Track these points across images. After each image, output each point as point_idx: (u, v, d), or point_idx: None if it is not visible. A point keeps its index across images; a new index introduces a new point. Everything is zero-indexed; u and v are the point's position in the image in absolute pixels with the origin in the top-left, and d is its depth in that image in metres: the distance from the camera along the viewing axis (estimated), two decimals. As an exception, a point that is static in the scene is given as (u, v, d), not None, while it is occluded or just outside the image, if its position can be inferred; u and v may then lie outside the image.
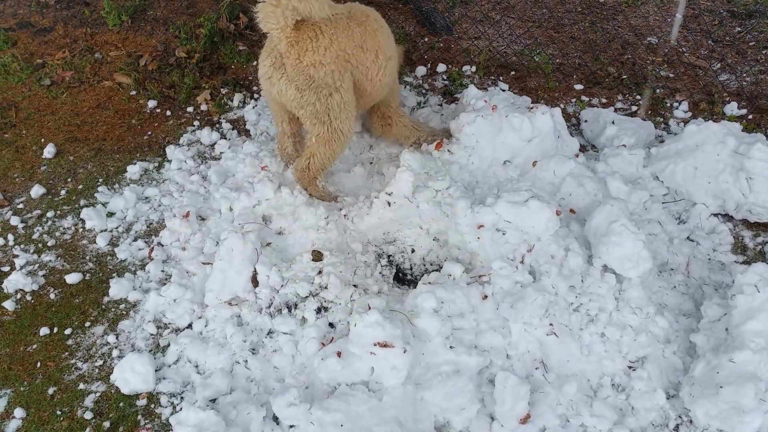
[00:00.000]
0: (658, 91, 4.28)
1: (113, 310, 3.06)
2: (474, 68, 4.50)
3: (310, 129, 3.17)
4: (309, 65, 2.94)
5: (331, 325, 2.84)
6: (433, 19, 4.85)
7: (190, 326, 2.94)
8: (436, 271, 3.10)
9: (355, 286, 2.98)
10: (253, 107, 4.17)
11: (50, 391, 2.77)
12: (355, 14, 3.12)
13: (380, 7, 3.30)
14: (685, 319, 2.93)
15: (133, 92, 4.32)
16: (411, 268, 3.25)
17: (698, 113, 4.07)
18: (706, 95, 4.22)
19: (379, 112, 3.62)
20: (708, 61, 4.55)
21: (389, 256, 3.26)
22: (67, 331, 2.97)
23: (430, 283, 2.91)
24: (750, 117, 4.02)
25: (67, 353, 2.90)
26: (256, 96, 4.29)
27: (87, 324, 3.00)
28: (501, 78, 4.42)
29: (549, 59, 4.55)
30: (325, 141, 3.16)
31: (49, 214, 3.53)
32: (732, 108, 4.06)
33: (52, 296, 3.13)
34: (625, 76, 4.41)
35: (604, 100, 4.25)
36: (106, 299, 3.11)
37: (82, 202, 3.60)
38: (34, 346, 2.93)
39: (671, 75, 4.43)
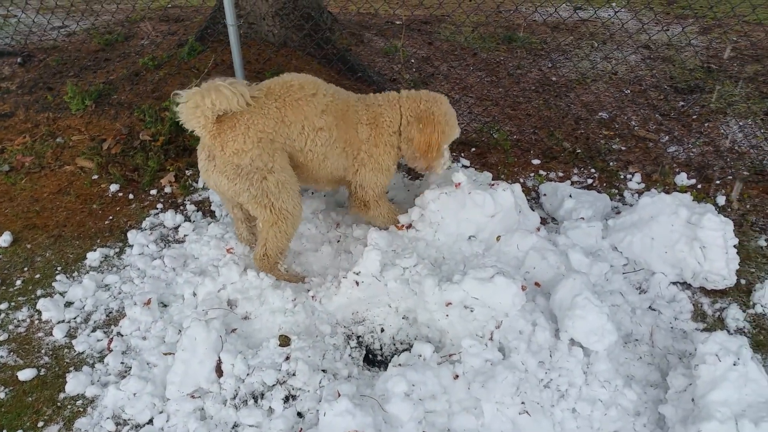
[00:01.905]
0: (612, 164, 4.48)
1: (69, 407, 2.90)
2: (436, 145, 4.63)
3: (254, 214, 3.16)
4: (233, 154, 2.92)
5: (299, 414, 2.74)
6: (394, 99, 5.03)
7: (150, 422, 2.79)
8: (407, 350, 3.07)
9: (324, 371, 2.91)
10: (219, 188, 4.17)
11: (-6, 504, 2.56)
12: (274, 89, 3.05)
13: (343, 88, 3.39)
14: (652, 390, 2.94)
15: (96, 176, 4.29)
16: (381, 348, 3.20)
17: (651, 184, 4.26)
18: (657, 167, 4.44)
19: (356, 194, 3.56)
20: (657, 134, 4.81)
21: (359, 337, 3.22)
22: (17, 434, 2.79)
23: (400, 365, 2.87)
24: (699, 187, 4.22)
25: (16, 459, 2.71)
26: (221, 177, 4.30)
27: (40, 424, 2.82)
28: (463, 154, 4.57)
29: (507, 136, 4.74)
30: (272, 223, 3.14)
31: (3, 306, 3.39)
32: (682, 178, 4.27)
33: (2, 395, 2.95)
34: (579, 150, 4.62)
35: (560, 174, 4.41)
36: (62, 395, 2.94)
37: (39, 292, 3.47)
38: (-20, 453, 2.74)
39: (623, 148, 4.65)
